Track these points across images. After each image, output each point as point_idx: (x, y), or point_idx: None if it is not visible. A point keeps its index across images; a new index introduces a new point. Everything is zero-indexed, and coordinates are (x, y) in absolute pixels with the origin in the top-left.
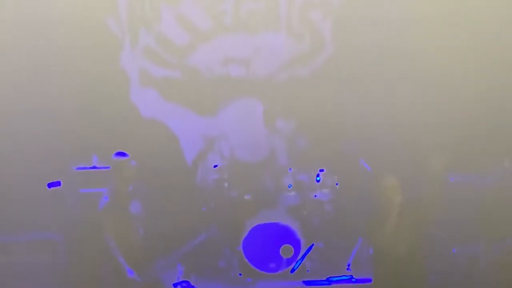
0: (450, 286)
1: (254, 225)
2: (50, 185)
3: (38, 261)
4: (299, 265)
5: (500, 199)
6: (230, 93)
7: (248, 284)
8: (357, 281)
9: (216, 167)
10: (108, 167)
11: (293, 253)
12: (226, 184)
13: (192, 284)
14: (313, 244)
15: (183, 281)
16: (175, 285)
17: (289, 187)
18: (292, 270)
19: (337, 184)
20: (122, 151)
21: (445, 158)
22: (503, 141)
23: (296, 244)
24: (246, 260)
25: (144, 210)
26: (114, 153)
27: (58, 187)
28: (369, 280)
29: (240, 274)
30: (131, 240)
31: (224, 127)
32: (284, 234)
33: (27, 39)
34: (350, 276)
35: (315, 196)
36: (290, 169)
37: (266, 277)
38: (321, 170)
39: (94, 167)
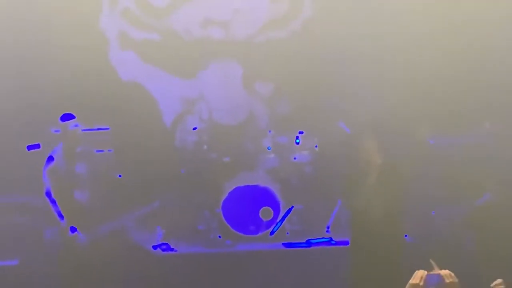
0: (428, 248)
1: (234, 187)
2: (29, 147)
3: (18, 222)
4: (278, 227)
5: (479, 160)
6: (209, 55)
7: (227, 247)
8: (337, 243)
9: (195, 129)
10: (88, 129)
11: (272, 216)
12: (205, 146)
13: (172, 246)
14: (292, 207)
15: (162, 244)
16: (154, 247)
17: (269, 149)
18: (272, 233)
19: (316, 146)
20: (70, 113)
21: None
22: (484, 104)
23: (275, 206)
24: (226, 223)
25: (123, 172)
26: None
27: (37, 149)
28: (348, 242)
29: (220, 237)
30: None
31: (203, 89)
32: (264, 197)
33: None
34: (329, 238)
35: (295, 158)
36: (269, 131)
37: (245, 239)
38: (301, 132)
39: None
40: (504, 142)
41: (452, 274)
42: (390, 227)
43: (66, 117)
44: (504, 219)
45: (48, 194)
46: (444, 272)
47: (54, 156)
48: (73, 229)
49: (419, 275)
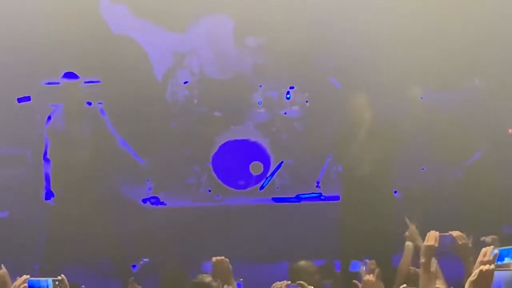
0: (418, 204)
1: (224, 141)
2: (19, 100)
3: (10, 173)
4: (268, 182)
5: (469, 115)
6: (201, 9)
7: (217, 201)
8: (326, 198)
9: (186, 83)
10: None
11: (262, 170)
12: (195, 100)
13: (161, 200)
14: (282, 161)
15: (152, 197)
16: (144, 200)
17: (259, 103)
18: (262, 187)
19: (307, 101)
20: (72, 71)
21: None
22: (474, 60)
23: (265, 161)
24: (216, 177)
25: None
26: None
27: (28, 102)
28: (338, 198)
29: (209, 191)
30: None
31: (194, 43)
32: (254, 151)
33: None
34: (319, 194)
35: (285, 113)
36: (260, 85)
37: (235, 193)
38: (291, 87)
39: None
40: (494, 98)
41: (464, 235)
42: (380, 183)
43: (68, 75)
44: (494, 177)
45: (44, 153)
46: (456, 233)
47: (52, 116)
48: (48, 196)
49: (432, 236)
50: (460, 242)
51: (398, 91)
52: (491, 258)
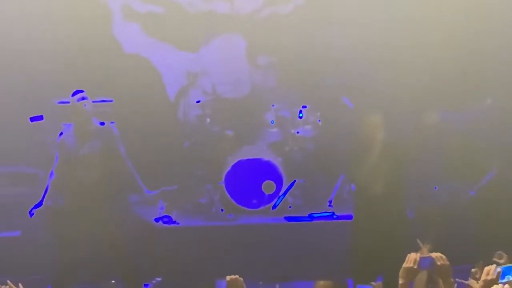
0: (431, 224)
1: (236, 161)
2: (32, 119)
3: (20, 193)
4: (281, 201)
5: (482, 135)
6: (213, 29)
7: (229, 220)
8: (339, 217)
9: (199, 103)
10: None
11: (275, 189)
12: (208, 120)
13: (174, 219)
14: (295, 181)
15: (164, 216)
16: (156, 220)
17: (272, 123)
18: (274, 206)
19: (319, 120)
20: (80, 89)
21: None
22: (487, 80)
23: (278, 180)
24: (228, 196)
25: (125, 146)
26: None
27: (40, 121)
28: (350, 217)
29: (222, 210)
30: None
31: (207, 63)
32: (266, 170)
33: None
34: (331, 213)
35: (298, 132)
36: (273, 105)
37: (248, 213)
38: (304, 107)
39: None
40: (506, 118)
41: (444, 256)
42: (392, 202)
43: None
44: (507, 196)
45: (53, 167)
46: (436, 254)
47: (64, 132)
48: (37, 205)
49: (412, 258)
50: (439, 263)
51: (410, 111)
52: (494, 276)
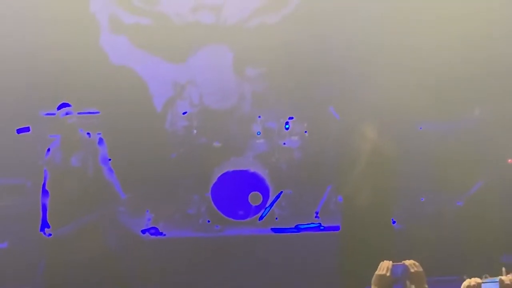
0: (417, 235)
1: (223, 172)
2: (19, 130)
3: (6, 204)
4: (267, 212)
5: (469, 146)
6: (200, 40)
7: (216, 231)
8: (325, 228)
9: (185, 114)
10: (78, 113)
11: (261, 201)
12: (195, 131)
13: (161, 230)
14: (281, 192)
15: (151, 228)
16: (143, 231)
17: (258, 134)
18: (261, 218)
19: (306, 132)
20: (65, 103)
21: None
22: (474, 90)
23: (264, 191)
24: (215, 207)
25: (112, 157)
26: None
27: (27, 132)
28: (337, 228)
29: (209, 221)
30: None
31: (194, 74)
32: (253, 181)
33: None
34: (318, 224)
35: (284, 143)
36: (259, 116)
37: (234, 224)
38: (290, 118)
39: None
40: (493, 128)
41: (417, 264)
42: (379, 214)
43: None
44: (494, 207)
45: (43, 185)
46: (409, 262)
47: (51, 148)
48: (43, 226)
49: (384, 266)
50: (412, 270)
51: (397, 121)
52: None
